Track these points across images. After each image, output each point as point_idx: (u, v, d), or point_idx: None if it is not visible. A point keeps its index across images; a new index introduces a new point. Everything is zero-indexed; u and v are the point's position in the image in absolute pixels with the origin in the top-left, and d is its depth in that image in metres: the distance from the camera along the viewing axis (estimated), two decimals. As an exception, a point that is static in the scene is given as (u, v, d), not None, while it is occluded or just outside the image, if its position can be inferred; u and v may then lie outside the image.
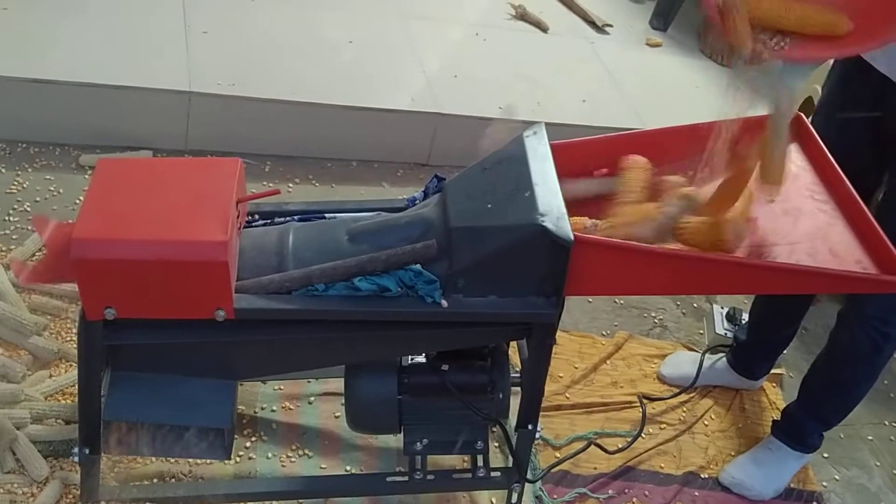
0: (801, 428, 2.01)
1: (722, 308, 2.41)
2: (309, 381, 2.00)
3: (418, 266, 1.41)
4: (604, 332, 2.36)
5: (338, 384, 1.83)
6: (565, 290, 1.40)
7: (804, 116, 1.69)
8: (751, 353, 2.20)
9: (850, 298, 1.91)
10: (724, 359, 2.24)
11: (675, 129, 1.62)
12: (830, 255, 1.44)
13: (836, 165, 1.57)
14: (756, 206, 1.49)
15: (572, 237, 1.33)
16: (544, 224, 1.34)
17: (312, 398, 1.97)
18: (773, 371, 2.33)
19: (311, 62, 2.71)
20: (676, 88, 3.25)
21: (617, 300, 2.45)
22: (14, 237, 2.13)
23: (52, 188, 2.31)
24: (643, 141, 1.60)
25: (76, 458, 1.53)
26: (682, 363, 2.25)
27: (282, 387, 1.98)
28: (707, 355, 2.23)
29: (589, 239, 1.35)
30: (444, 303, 1.40)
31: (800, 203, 1.55)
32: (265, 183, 2.48)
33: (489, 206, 1.42)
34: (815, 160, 1.62)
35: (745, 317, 2.39)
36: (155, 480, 1.73)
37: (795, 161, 1.64)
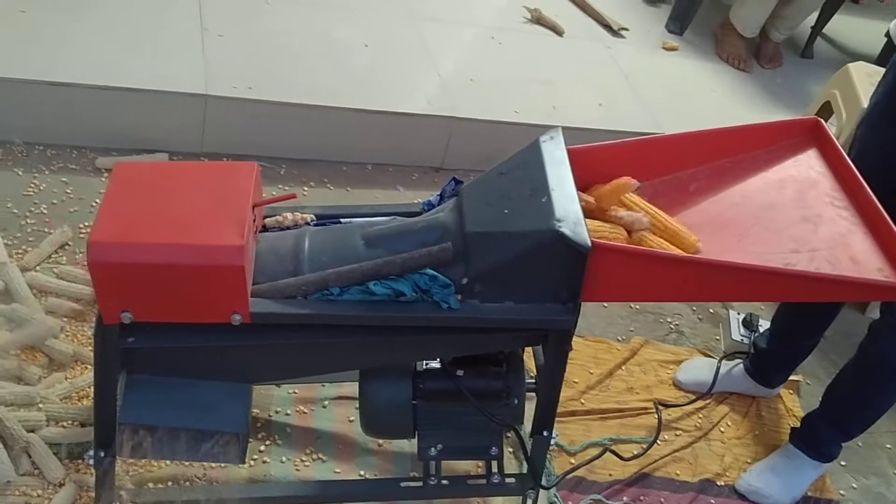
0: (821, 437, 1.99)
1: (738, 314, 2.40)
2: (323, 385, 1.99)
3: (432, 270, 1.41)
4: (619, 338, 2.34)
5: (352, 388, 1.84)
6: (582, 297, 1.39)
7: (823, 121, 1.67)
8: (769, 361, 2.18)
9: (883, 312, 1.88)
10: (742, 365, 2.21)
11: (695, 135, 1.61)
12: (851, 263, 1.43)
13: (856, 171, 1.56)
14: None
15: (590, 243, 1.32)
16: (561, 230, 1.33)
17: (327, 402, 1.97)
18: (790, 378, 2.31)
19: (326, 65, 2.71)
20: (693, 92, 3.23)
21: (633, 305, 2.44)
22: (31, 239, 2.14)
23: (68, 191, 2.32)
24: (662, 146, 1.59)
25: (91, 461, 1.53)
26: (699, 369, 2.24)
27: (296, 390, 1.98)
28: (723, 362, 2.21)
29: (607, 245, 1.34)
30: (457, 302, 1.39)
31: (820, 210, 1.54)
32: (280, 186, 2.48)
33: (506, 211, 1.41)
34: (835, 166, 1.61)
35: (763, 323, 2.37)
36: (169, 484, 1.73)
37: (814, 167, 1.63)
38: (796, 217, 1.52)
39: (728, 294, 1.54)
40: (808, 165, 1.62)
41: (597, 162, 1.52)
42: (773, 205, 1.57)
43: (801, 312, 2.07)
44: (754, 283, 1.40)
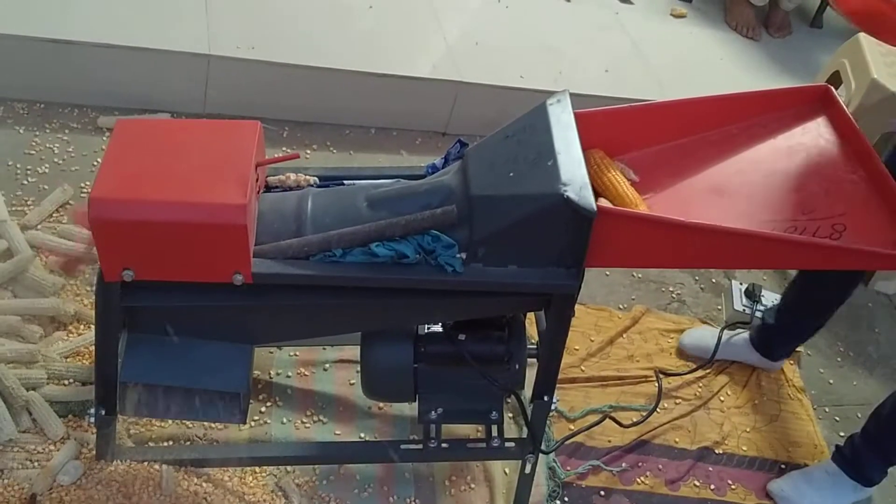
0: (860, 459, 1.91)
1: (741, 284, 2.39)
2: (324, 348, 1.99)
3: (436, 231, 1.40)
4: (621, 306, 2.34)
5: (353, 351, 1.84)
6: (586, 262, 1.38)
7: (833, 89, 1.65)
8: (775, 336, 2.16)
9: None
10: (747, 335, 2.20)
11: (703, 100, 1.59)
12: (859, 231, 1.41)
13: (866, 140, 1.54)
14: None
15: (595, 208, 1.31)
16: (567, 194, 1.32)
17: (328, 365, 1.97)
18: (791, 349, 2.32)
19: (330, 27, 2.68)
20: (701, 60, 3.19)
21: (635, 274, 2.43)
22: (31, 198, 2.12)
23: (70, 149, 2.30)
24: (670, 111, 1.57)
25: (92, 419, 1.54)
26: (703, 336, 2.23)
27: (297, 353, 1.98)
28: (726, 331, 2.21)
29: (613, 210, 1.33)
30: (462, 265, 1.38)
31: (828, 177, 1.52)
32: (283, 148, 2.46)
33: (511, 174, 1.40)
34: (844, 134, 1.59)
35: (765, 293, 2.37)
36: (170, 443, 1.74)
37: (824, 135, 1.61)
38: (804, 185, 1.51)
39: (733, 261, 1.53)
40: (817, 133, 1.61)
41: (603, 126, 1.51)
42: (781, 172, 1.55)
43: (812, 291, 2.04)
44: (760, 251, 1.39)
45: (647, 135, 1.56)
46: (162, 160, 1.37)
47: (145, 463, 1.63)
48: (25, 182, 2.18)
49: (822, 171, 1.54)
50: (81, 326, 1.88)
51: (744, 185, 1.53)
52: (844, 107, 1.61)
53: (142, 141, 1.41)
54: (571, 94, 1.49)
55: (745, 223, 1.43)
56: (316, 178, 1.59)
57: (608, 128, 1.53)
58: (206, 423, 1.77)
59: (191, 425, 1.77)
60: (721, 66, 3.20)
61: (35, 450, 1.65)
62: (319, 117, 2.61)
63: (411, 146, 2.66)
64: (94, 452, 1.64)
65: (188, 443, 1.75)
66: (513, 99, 2.59)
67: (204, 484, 1.66)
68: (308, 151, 2.52)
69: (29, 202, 2.11)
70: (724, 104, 1.62)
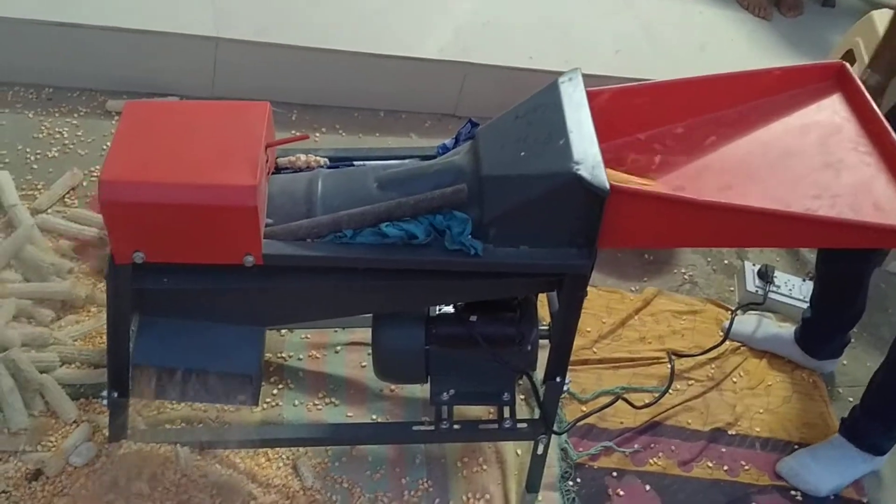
0: (862, 428, 1.91)
1: (754, 265, 2.38)
2: (336, 331, 1.99)
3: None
4: (632, 288, 2.33)
5: (365, 334, 1.83)
6: (599, 242, 1.37)
7: (848, 66, 1.63)
8: (813, 330, 2.14)
9: None
10: (792, 331, 2.18)
11: (716, 78, 1.57)
12: (874, 209, 1.40)
13: (882, 117, 1.52)
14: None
15: (608, 186, 1.29)
16: (579, 173, 1.31)
17: (339, 347, 1.97)
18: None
19: (338, 9, 2.66)
20: (712, 40, 3.16)
21: (646, 255, 2.41)
22: (41, 182, 2.12)
23: (79, 133, 2.30)
24: (683, 89, 1.55)
25: (104, 402, 1.54)
26: (749, 321, 2.23)
27: (308, 336, 1.98)
28: (774, 322, 2.17)
29: (626, 189, 1.31)
30: (480, 245, 1.37)
31: (843, 155, 1.50)
32: (292, 131, 2.45)
33: (522, 154, 1.39)
34: (859, 111, 1.57)
35: (778, 274, 2.35)
36: (182, 425, 1.74)
37: (839, 112, 1.59)
38: (819, 163, 1.49)
39: (748, 240, 1.51)
40: (831, 110, 1.59)
41: (615, 105, 1.49)
42: (796, 150, 1.53)
43: (834, 283, 2.02)
44: (776, 229, 1.37)
45: (659, 113, 1.55)
46: (171, 142, 1.36)
47: (158, 445, 1.63)
48: (35, 166, 2.18)
49: (837, 148, 1.52)
50: (94, 309, 1.88)
51: (758, 164, 1.51)
52: (860, 84, 1.59)
53: (151, 123, 1.40)
54: (582, 75, 1.48)
55: (759, 201, 1.41)
56: (326, 160, 1.59)
57: (620, 106, 1.51)
58: (218, 406, 1.77)
59: (203, 408, 1.77)
60: (732, 46, 3.17)
61: (49, 433, 1.65)
62: (328, 100, 2.60)
63: (420, 128, 2.64)
64: (106, 434, 1.64)
65: (200, 425, 1.75)
66: (522, 80, 2.57)
67: (217, 465, 1.67)
68: (317, 135, 2.51)
69: (39, 186, 2.11)
70: (737, 82, 1.60)
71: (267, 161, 1.42)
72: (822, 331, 2.14)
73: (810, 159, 1.52)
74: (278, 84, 2.52)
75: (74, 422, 1.68)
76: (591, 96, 1.44)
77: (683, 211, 1.33)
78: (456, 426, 1.66)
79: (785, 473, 1.96)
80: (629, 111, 1.53)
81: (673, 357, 2.05)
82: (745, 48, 3.18)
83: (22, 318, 1.79)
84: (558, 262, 1.39)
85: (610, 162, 1.35)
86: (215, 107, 1.48)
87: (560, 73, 1.48)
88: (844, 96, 1.60)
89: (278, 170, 1.55)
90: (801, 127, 1.57)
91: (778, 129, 1.58)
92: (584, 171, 1.31)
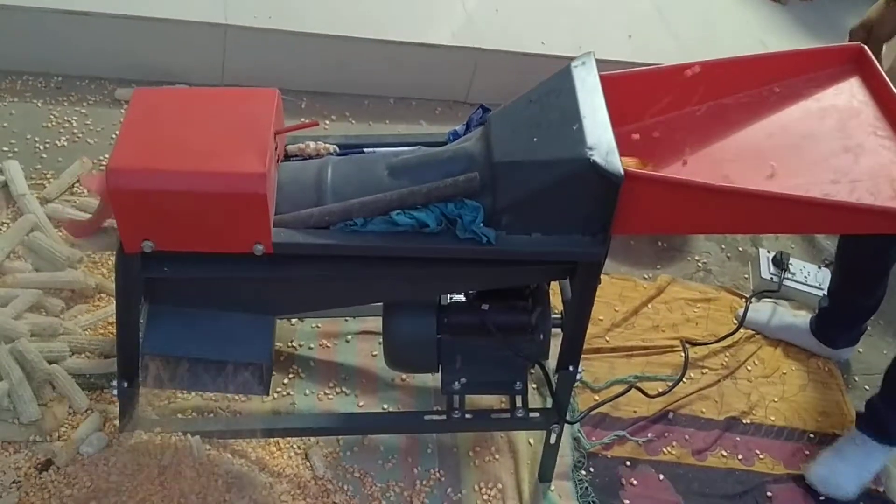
0: (883, 419, 1.88)
1: (768, 252, 2.35)
2: (346, 320, 1.98)
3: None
4: (645, 276, 2.30)
5: (375, 323, 1.82)
6: (613, 229, 1.35)
7: (867, 48, 1.60)
8: (831, 321, 2.11)
9: None
10: (808, 320, 2.16)
11: (732, 62, 1.54)
12: (894, 194, 1.37)
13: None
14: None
15: (623, 172, 1.27)
16: (593, 158, 1.29)
17: (350, 336, 1.96)
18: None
19: (348, -5, 2.64)
20: (726, 24, 3.12)
21: (660, 242, 2.39)
22: (50, 172, 2.12)
23: (87, 122, 2.29)
24: (698, 73, 1.52)
25: (115, 392, 1.53)
26: (765, 309, 2.21)
27: (319, 325, 1.97)
28: (790, 311, 2.14)
29: (641, 175, 1.29)
30: (493, 234, 1.35)
31: (861, 140, 1.47)
32: (302, 119, 2.43)
33: (535, 139, 1.37)
34: (879, 95, 1.54)
35: (793, 262, 2.33)
36: (193, 415, 1.74)
37: (857, 96, 1.56)
38: (837, 147, 1.47)
39: (765, 226, 1.49)
40: (850, 94, 1.56)
41: (630, 89, 1.47)
42: (813, 134, 1.51)
43: (855, 272, 2.00)
44: (793, 215, 1.35)
45: (675, 97, 1.52)
46: (180, 129, 1.35)
47: (169, 435, 1.63)
48: (44, 156, 2.17)
49: (856, 132, 1.49)
50: (104, 299, 1.87)
51: (775, 149, 1.49)
52: (879, 67, 1.56)
53: (159, 110, 1.38)
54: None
55: (776, 187, 1.39)
56: (336, 147, 1.57)
57: (634, 91, 1.49)
58: (228, 395, 1.76)
59: (214, 397, 1.76)
60: (747, 30, 3.13)
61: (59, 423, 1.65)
62: (338, 87, 2.58)
63: (431, 116, 2.62)
64: (117, 424, 1.63)
65: (211, 415, 1.75)
66: (534, 66, 2.53)
67: (228, 455, 1.66)
68: (327, 122, 2.49)
69: (48, 176, 2.10)
70: (753, 66, 1.58)
71: (276, 148, 1.40)
72: (840, 320, 2.11)
73: (828, 143, 1.49)
74: (288, 71, 2.50)
75: (85, 412, 1.67)
76: (605, 81, 1.42)
77: (699, 196, 1.31)
78: (468, 416, 1.65)
79: (814, 482, 1.90)
80: (643, 96, 1.51)
81: (687, 345, 2.02)
82: (761, 32, 3.14)
83: (32, 308, 1.78)
84: (571, 249, 1.38)
85: (624, 147, 1.33)
86: (224, 94, 1.47)
87: (572, 59, 1.46)
88: (863, 79, 1.57)
89: (287, 157, 1.54)
90: (819, 111, 1.55)
91: (795, 113, 1.55)
92: (598, 157, 1.28)
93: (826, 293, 2.12)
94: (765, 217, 1.35)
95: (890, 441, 1.90)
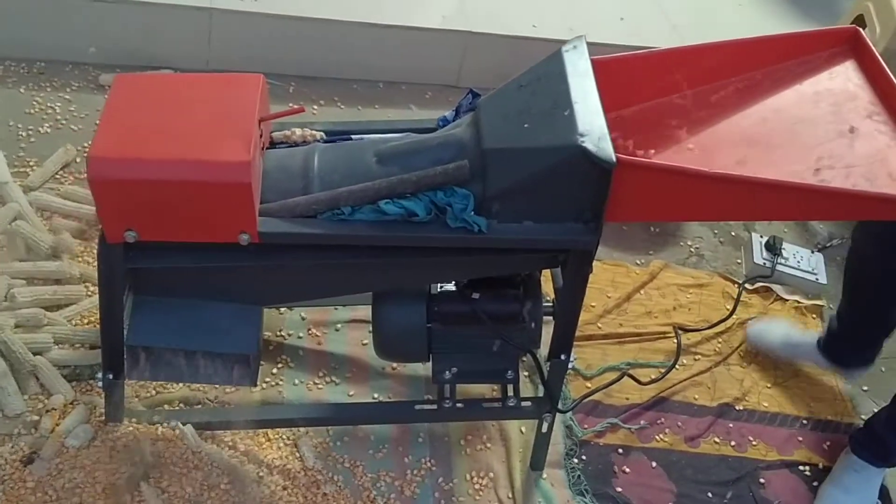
0: (890, 447, 1.81)
1: (761, 237, 2.33)
2: (336, 309, 1.96)
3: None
4: (638, 261, 2.29)
5: (365, 311, 1.80)
6: (605, 216, 1.33)
7: (862, 31, 1.58)
8: (842, 341, 1.97)
9: None
10: (816, 338, 2.03)
11: (725, 45, 1.52)
12: (890, 180, 1.35)
13: (897, 84, 1.47)
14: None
15: (615, 159, 1.25)
16: (584, 145, 1.26)
17: (340, 325, 1.93)
18: (814, 303, 2.27)
19: (336, -23, 2.60)
20: (719, 7, 3.09)
21: (652, 228, 2.37)
22: (33, 159, 2.08)
23: (71, 108, 2.25)
24: (691, 56, 1.50)
25: (100, 384, 1.51)
26: (771, 329, 2.09)
27: (308, 314, 1.94)
28: (797, 332, 2.06)
29: (634, 161, 1.27)
30: (484, 222, 1.33)
31: (857, 124, 1.45)
32: (289, 104, 2.37)
33: (525, 125, 1.34)
34: (874, 78, 1.52)
35: (786, 246, 2.31)
36: (181, 406, 1.71)
37: (852, 79, 1.54)
38: (832, 132, 1.44)
39: (759, 213, 1.47)
40: (845, 77, 1.53)
41: (622, 73, 1.44)
42: (808, 119, 1.48)
43: (865, 296, 1.87)
44: (788, 201, 1.33)
45: (667, 82, 1.50)
46: (162, 116, 1.32)
47: (156, 426, 1.61)
48: (27, 143, 2.13)
49: (851, 116, 1.47)
50: (89, 288, 1.84)
51: (769, 134, 1.47)
52: (874, 50, 1.54)
53: (141, 97, 1.35)
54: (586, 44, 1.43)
55: (771, 173, 1.36)
56: (323, 134, 1.54)
57: (626, 75, 1.46)
58: (216, 386, 1.74)
59: (201, 388, 1.74)
60: (740, 12, 3.10)
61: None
62: (326, 72, 2.54)
63: (421, 100, 2.59)
64: (103, 416, 1.61)
65: (199, 405, 1.73)
66: (525, 49, 2.51)
67: (215, 446, 1.64)
68: (315, 107, 2.46)
69: (31, 163, 2.07)
70: (746, 49, 1.55)
71: (261, 135, 1.37)
72: (850, 342, 1.97)
73: (823, 128, 1.47)
74: (275, 56, 2.46)
75: (70, 403, 1.65)
76: (596, 65, 1.39)
77: (692, 183, 1.29)
78: (459, 405, 1.64)
79: None
80: (635, 80, 1.49)
81: (679, 332, 2.02)
82: (754, 14, 3.11)
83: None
84: (563, 237, 1.35)
85: (616, 133, 1.30)
86: (207, 79, 1.44)
87: (564, 42, 1.43)
88: (858, 63, 1.55)
89: (273, 144, 1.51)
90: (813, 95, 1.53)
91: (789, 98, 1.53)
92: (589, 144, 1.26)
93: (835, 313, 1.97)
94: (759, 204, 1.33)
95: (888, 463, 1.85)
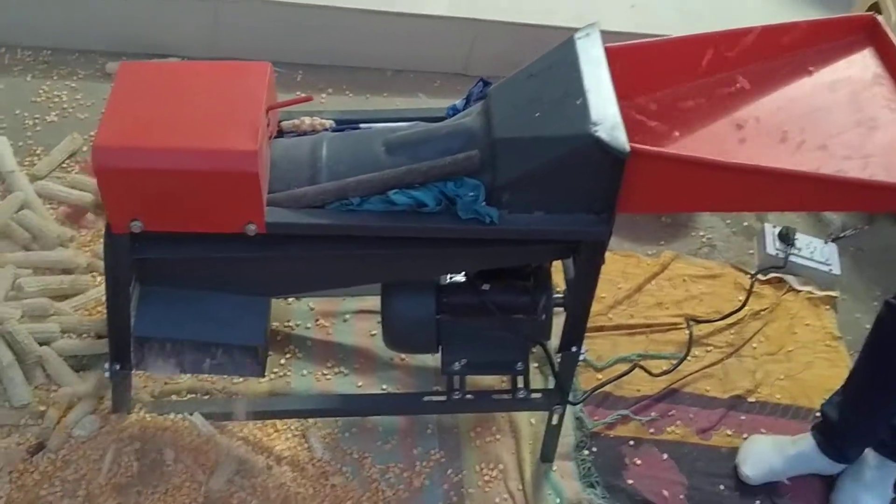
0: None
1: (774, 227, 2.30)
2: (344, 299, 1.94)
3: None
4: (649, 252, 2.26)
5: (374, 302, 1.78)
6: (618, 207, 1.31)
7: (880, 18, 1.55)
8: (841, 434, 1.76)
9: None
10: (812, 441, 1.79)
11: (741, 32, 1.49)
12: (912, 170, 1.32)
13: (917, 72, 1.44)
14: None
15: (628, 148, 1.23)
16: (597, 134, 1.24)
17: (348, 316, 1.92)
18: (827, 293, 2.23)
19: (343, -36, 2.57)
20: (731, -7, 3.05)
21: (663, 218, 2.34)
22: (40, 148, 2.07)
23: (78, 97, 2.24)
24: (706, 44, 1.47)
25: (107, 374, 1.50)
26: (763, 454, 1.83)
27: (316, 304, 1.93)
28: (790, 443, 1.82)
29: (648, 151, 1.24)
30: (496, 213, 1.31)
31: (875, 113, 1.43)
32: (297, 93, 2.34)
33: (537, 114, 1.32)
34: (893, 67, 1.49)
35: (799, 236, 2.28)
36: (189, 396, 1.70)
37: (870, 68, 1.51)
38: (849, 121, 1.42)
39: (775, 204, 1.44)
40: (862, 66, 1.50)
41: (635, 61, 1.42)
42: (825, 108, 1.46)
43: (878, 364, 1.66)
44: (805, 192, 1.31)
45: (680, 70, 1.47)
46: (168, 105, 1.30)
47: (163, 416, 1.60)
48: (33, 131, 2.12)
49: (869, 105, 1.44)
50: (97, 278, 1.83)
51: (785, 123, 1.44)
52: (893, 38, 1.51)
53: (147, 85, 1.34)
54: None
55: (787, 163, 1.34)
56: (332, 122, 1.52)
57: (638, 63, 1.44)
58: (224, 377, 1.73)
59: (210, 378, 1.73)
60: (754, -2, 3.06)
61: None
62: (334, 60, 2.52)
63: (429, 88, 2.57)
64: (110, 407, 1.60)
65: (206, 396, 1.72)
66: (535, 37, 2.47)
67: (224, 437, 1.63)
68: (323, 95, 2.44)
69: (37, 152, 2.06)
70: (761, 37, 1.52)
71: (269, 124, 1.35)
72: (858, 435, 1.77)
73: (841, 117, 1.44)
74: (282, 44, 2.44)
75: (77, 395, 1.64)
76: (609, 53, 1.37)
77: (708, 174, 1.26)
78: (469, 396, 1.62)
79: None
80: (648, 68, 1.46)
81: (691, 323, 1.99)
82: (767, 2, 3.07)
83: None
84: (575, 228, 1.33)
85: (629, 122, 1.28)
86: (213, 67, 1.42)
87: (574, 30, 1.41)
88: (876, 50, 1.52)
89: (281, 133, 1.49)
90: (830, 83, 1.50)
91: (806, 86, 1.50)
92: (602, 133, 1.24)
93: (835, 403, 1.75)
94: (777, 195, 1.31)
95: None
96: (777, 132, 1.43)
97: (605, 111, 1.27)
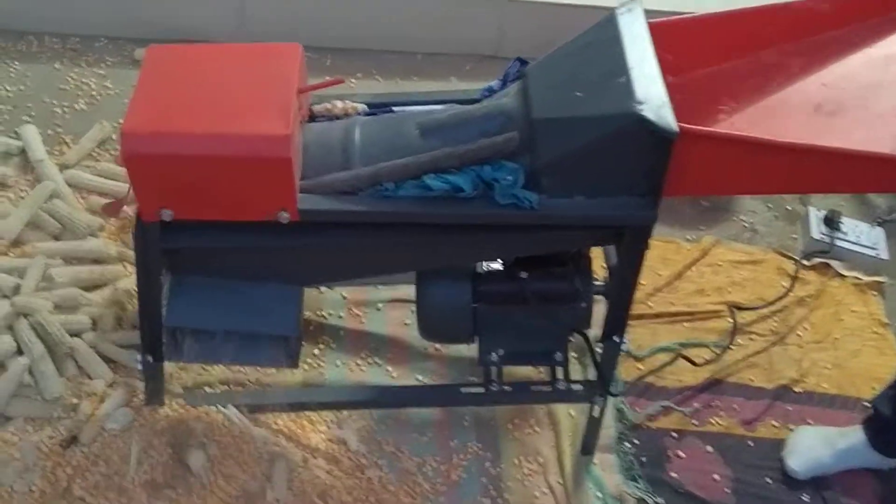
0: None
1: (819, 211, 2.23)
2: (377, 288, 1.90)
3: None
4: (688, 237, 2.20)
5: (407, 290, 1.75)
6: (664, 191, 1.25)
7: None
8: (891, 428, 1.68)
9: None
10: (860, 433, 1.73)
11: (791, 6, 1.43)
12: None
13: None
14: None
15: (677, 128, 1.17)
16: (643, 113, 1.18)
17: (380, 305, 1.88)
18: (874, 279, 2.16)
19: (372, -55, 2.52)
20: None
21: (703, 202, 2.28)
22: (69, 136, 2.05)
23: (106, 84, 2.22)
24: (754, 19, 1.41)
25: (139, 366, 1.47)
26: (811, 448, 1.76)
27: (349, 293, 1.89)
28: (841, 436, 1.75)
29: (698, 131, 1.18)
30: (536, 198, 1.26)
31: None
32: (327, 77, 2.33)
33: (577, 94, 1.27)
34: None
35: (845, 220, 2.20)
36: (221, 388, 1.68)
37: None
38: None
39: (829, 185, 1.37)
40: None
41: (681, 38, 1.36)
42: (878, 84, 1.40)
43: None
44: (861, 173, 1.25)
45: (727, 47, 1.41)
46: (197, 89, 1.27)
47: (196, 408, 1.57)
48: (62, 120, 2.10)
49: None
50: (127, 268, 1.81)
51: (837, 100, 1.38)
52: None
53: (175, 69, 1.30)
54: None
55: (839, 142, 1.28)
56: (364, 106, 1.48)
57: (685, 40, 1.38)
58: (258, 368, 1.70)
59: (243, 370, 1.70)
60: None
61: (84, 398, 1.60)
62: (363, 44, 2.48)
63: (461, 72, 2.51)
64: (143, 398, 1.58)
65: (239, 388, 1.69)
66: (566, 16, 2.42)
67: (258, 429, 1.60)
68: (353, 80, 2.40)
69: (67, 140, 2.04)
70: (813, 10, 1.46)
71: (300, 108, 1.31)
72: None
73: (894, 94, 1.37)
74: (311, 28, 2.40)
75: (110, 386, 1.62)
76: (652, 29, 1.31)
77: (761, 155, 1.21)
78: (507, 388, 1.58)
79: None
80: (692, 45, 1.40)
81: (734, 310, 1.93)
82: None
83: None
84: (619, 213, 1.28)
85: (674, 100, 1.22)
86: (243, 50, 1.38)
87: (607, 9, 1.34)
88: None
89: (312, 118, 1.45)
90: (884, 58, 1.44)
91: (858, 62, 1.44)
92: (648, 112, 1.18)
93: (887, 396, 1.67)
94: (832, 175, 1.25)
95: None
96: (827, 110, 1.36)
97: (650, 89, 1.21)
